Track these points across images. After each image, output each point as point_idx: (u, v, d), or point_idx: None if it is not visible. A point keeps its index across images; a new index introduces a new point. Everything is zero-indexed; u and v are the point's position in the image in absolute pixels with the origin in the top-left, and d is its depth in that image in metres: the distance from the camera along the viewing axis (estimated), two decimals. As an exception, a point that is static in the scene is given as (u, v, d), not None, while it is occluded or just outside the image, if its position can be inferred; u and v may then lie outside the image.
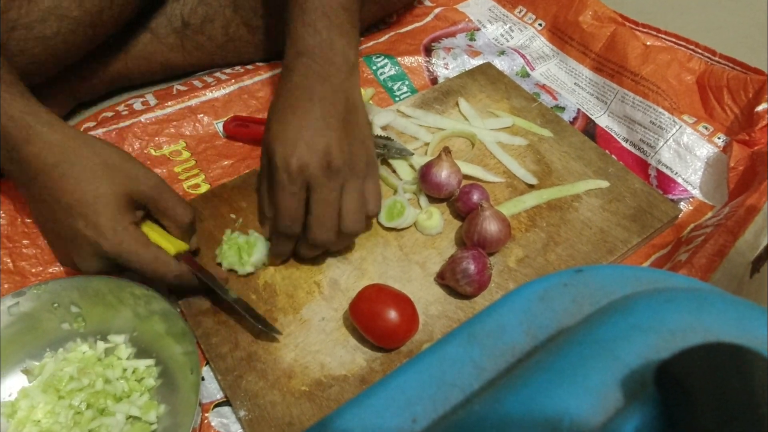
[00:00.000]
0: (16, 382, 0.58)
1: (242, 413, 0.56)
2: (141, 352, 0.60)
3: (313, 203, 0.59)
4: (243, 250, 0.65)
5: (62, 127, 0.57)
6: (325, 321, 0.62)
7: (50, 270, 0.67)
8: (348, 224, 0.61)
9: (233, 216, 0.71)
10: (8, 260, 0.67)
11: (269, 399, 0.57)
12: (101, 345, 0.59)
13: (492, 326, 0.35)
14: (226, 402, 0.58)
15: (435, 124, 0.81)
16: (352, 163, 0.60)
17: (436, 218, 0.69)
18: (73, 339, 0.60)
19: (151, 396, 0.57)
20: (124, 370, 0.58)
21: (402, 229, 0.70)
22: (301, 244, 0.64)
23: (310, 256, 0.65)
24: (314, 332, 0.62)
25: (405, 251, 0.68)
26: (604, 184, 0.74)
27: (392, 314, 0.58)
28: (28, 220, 0.69)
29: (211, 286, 0.61)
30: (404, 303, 0.60)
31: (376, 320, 0.58)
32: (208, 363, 0.60)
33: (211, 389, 0.59)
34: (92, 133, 0.77)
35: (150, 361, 0.58)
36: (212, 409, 0.58)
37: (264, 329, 0.59)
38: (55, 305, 0.59)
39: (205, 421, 0.57)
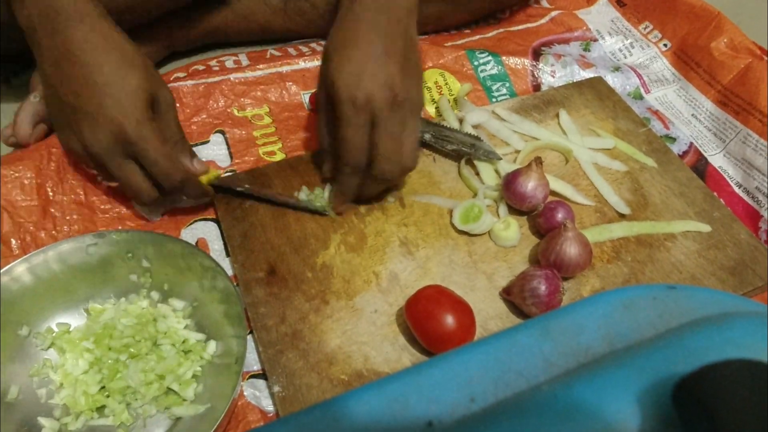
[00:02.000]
0: (77, 318, 0.63)
1: (276, 389, 0.59)
2: (195, 326, 0.64)
3: (379, 136, 0.63)
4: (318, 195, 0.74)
5: (112, 23, 0.62)
6: (377, 313, 0.65)
7: (117, 209, 0.73)
8: (407, 160, 0.66)
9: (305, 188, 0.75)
10: (81, 192, 0.73)
11: (306, 381, 0.60)
12: (162, 306, 0.64)
13: (569, 324, 0.36)
14: (262, 375, 0.62)
15: (530, 132, 0.82)
16: (411, 99, 0.64)
17: (513, 229, 0.71)
18: (137, 292, 0.65)
19: (194, 372, 0.60)
20: (175, 339, 0.62)
21: (474, 235, 0.72)
22: (366, 183, 0.69)
23: (375, 193, 0.71)
24: (364, 323, 0.64)
25: (474, 258, 0.70)
26: (705, 228, 0.74)
27: (449, 319, 0.60)
28: None
29: (242, 189, 0.70)
30: (464, 310, 0.61)
31: (431, 322, 0.60)
32: (251, 332, 0.64)
33: (249, 360, 0.63)
34: (181, 84, 0.83)
35: (201, 336, 0.62)
36: (247, 379, 0.62)
37: (311, 210, 0.70)
38: (129, 255, 0.64)
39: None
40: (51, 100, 0.63)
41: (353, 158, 0.65)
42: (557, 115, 0.85)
